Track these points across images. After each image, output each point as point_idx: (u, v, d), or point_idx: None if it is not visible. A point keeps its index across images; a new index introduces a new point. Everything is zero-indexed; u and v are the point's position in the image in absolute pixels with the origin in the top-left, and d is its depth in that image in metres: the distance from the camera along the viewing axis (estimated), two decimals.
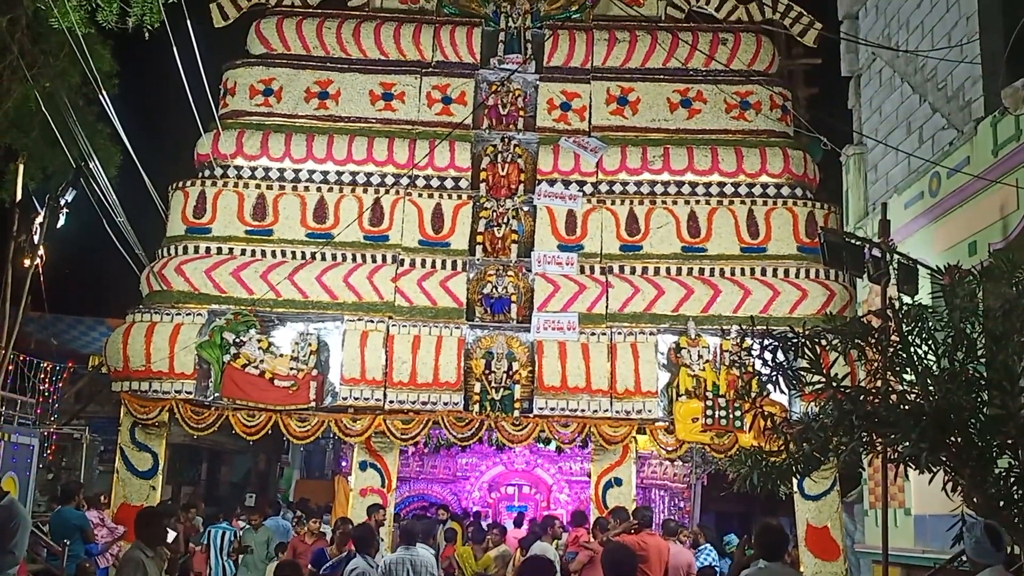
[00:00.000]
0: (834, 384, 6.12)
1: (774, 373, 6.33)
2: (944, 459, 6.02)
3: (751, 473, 6.64)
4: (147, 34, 11.22)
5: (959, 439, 5.95)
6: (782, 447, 7.05)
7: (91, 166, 12.26)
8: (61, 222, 11.54)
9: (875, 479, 11.24)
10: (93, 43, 15.92)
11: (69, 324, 16.87)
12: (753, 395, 12.40)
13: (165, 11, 11.88)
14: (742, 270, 13.34)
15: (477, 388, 12.85)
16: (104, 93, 13.38)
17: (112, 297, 14.35)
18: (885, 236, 8.10)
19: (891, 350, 6.32)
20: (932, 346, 6.22)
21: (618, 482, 13.11)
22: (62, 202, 11.03)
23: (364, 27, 14.62)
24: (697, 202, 13.68)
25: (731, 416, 12.71)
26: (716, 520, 21.26)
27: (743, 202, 13.65)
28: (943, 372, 6.08)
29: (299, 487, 21.43)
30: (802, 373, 6.44)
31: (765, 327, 6.52)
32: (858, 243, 8.15)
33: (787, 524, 21.73)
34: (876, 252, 8.27)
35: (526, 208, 13.88)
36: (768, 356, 6.46)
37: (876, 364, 6.55)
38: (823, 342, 6.40)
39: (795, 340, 6.26)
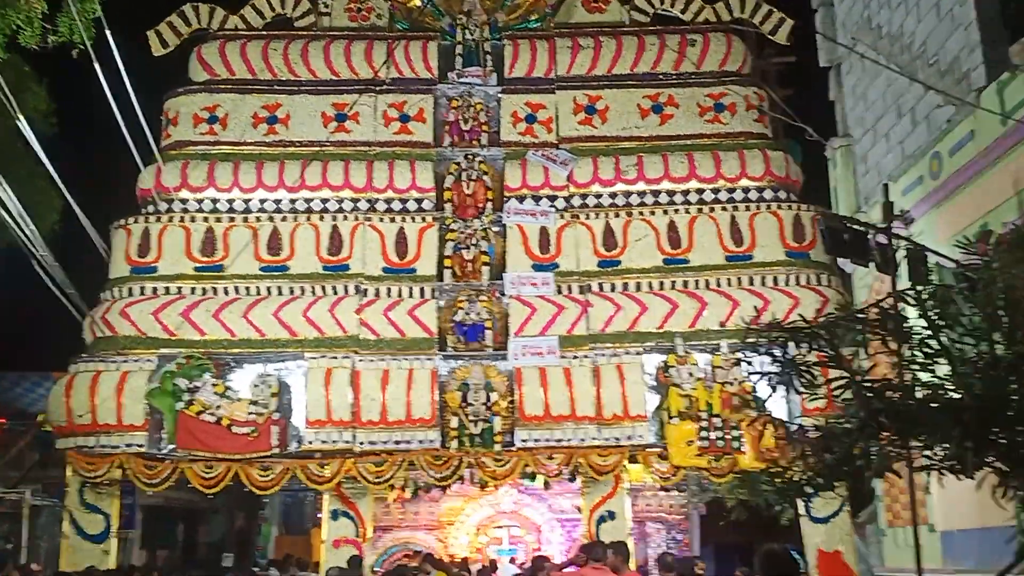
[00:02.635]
0: (858, 380, 5.21)
1: (786, 372, 5.40)
2: (991, 460, 5.11)
3: (762, 493, 5.66)
4: (75, 54, 10.32)
5: (1007, 436, 5.05)
6: (789, 464, 6.11)
7: None
8: None
9: (891, 495, 10.35)
10: (28, 81, 15.14)
11: (12, 381, 15.79)
12: (755, 408, 11.77)
13: (99, 43, 11.05)
14: (728, 280, 12.64)
15: (454, 423, 11.99)
16: (30, 132, 12.40)
17: (60, 350, 13.33)
18: (890, 220, 7.26)
19: (917, 339, 5.43)
20: (963, 331, 5.34)
21: (611, 515, 12.28)
22: None
23: (312, 47, 13.87)
24: (676, 211, 12.98)
25: (728, 437, 11.85)
26: (716, 552, 20.32)
27: (724, 208, 12.97)
28: (981, 359, 5.20)
29: (279, 543, 20.44)
30: (814, 371, 5.51)
31: (773, 320, 5.62)
32: (862, 229, 7.31)
33: (791, 551, 21.03)
34: (881, 239, 7.42)
35: (495, 228, 13.11)
36: (776, 353, 5.53)
37: (900, 357, 5.66)
38: (838, 333, 5.50)
39: (809, 332, 5.35)
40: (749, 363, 5.60)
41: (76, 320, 13.20)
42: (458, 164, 13.34)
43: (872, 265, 7.56)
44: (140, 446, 11.83)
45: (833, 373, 5.67)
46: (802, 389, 5.52)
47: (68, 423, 11.83)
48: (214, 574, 15.85)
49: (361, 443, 11.85)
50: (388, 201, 13.12)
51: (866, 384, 5.31)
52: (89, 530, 11.99)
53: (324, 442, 11.88)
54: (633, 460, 12.22)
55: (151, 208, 13.10)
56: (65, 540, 11.98)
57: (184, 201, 13.08)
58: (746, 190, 13.05)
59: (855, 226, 7.36)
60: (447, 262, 12.85)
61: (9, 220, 12.44)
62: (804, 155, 13.61)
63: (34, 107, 15.25)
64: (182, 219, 12.91)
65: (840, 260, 11.29)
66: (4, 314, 14.52)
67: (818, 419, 11.75)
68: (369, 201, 13.09)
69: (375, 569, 16.08)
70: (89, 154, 15.68)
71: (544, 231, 12.88)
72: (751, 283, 12.55)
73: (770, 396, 5.77)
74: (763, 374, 5.58)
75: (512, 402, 12.02)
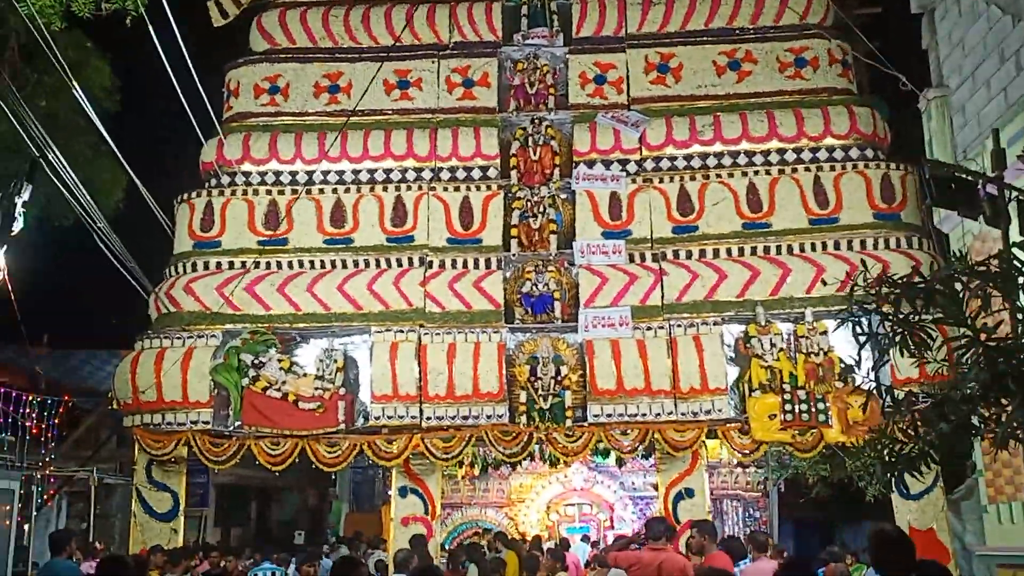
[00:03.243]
0: (983, 339, 4.60)
1: (897, 332, 4.80)
2: None
3: (857, 468, 5.08)
4: (128, 22, 10.06)
5: None
6: (892, 436, 5.52)
7: (51, 158, 11.05)
8: (19, 226, 10.35)
9: (993, 469, 9.61)
10: (90, 57, 15.04)
11: (82, 359, 15.78)
12: (841, 379, 11.09)
13: (158, 16, 10.79)
14: (813, 245, 11.92)
15: (523, 397, 11.53)
16: (91, 110, 12.25)
17: (130, 327, 13.24)
18: (1002, 168, 6.56)
19: None
20: None
21: (689, 493, 11.67)
22: (17, 202, 9.82)
23: (374, 12, 13.46)
24: (756, 173, 12.27)
25: (813, 409, 11.18)
26: (795, 529, 19.65)
27: (808, 169, 12.23)
28: None
29: (349, 521, 20.51)
30: (930, 330, 4.90)
31: (882, 273, 5.02)
32: (970, 178, 6.61)
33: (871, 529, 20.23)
34: (991, 189, 6.72)
35: (564, 195, 12.57)
36: (886, 312, 4.93)
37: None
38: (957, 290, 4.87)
39: (924, 287, 4.74)
40: (857, 323, 4.95)
41: (145, 297, 13.12)
42: (524, 129, 12.84)
43: (980, 219, 6.86)
44: (206, 423, 11.62)
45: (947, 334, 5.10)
46: (908, 352, 4.89)
47: (134, 400, 11.67)
48: (286, 551, 15.79)
49: (428, 418, 11.48)
50: (452, 170, 12.68)
51: (991, 344, 4.69)
52: (157, 508, 11.87)
53: (391, 417, 11.53)
54: (711, 435, 11.65)
55: (213, 182, 12.87)
56: (134, 519, 11.87)
57: (247, 174, 12.83)
58: (831, 149, 12.31)
59: (963, 175, 6.67)
60: (513, 231, 12.39)
61: (71, 198, 12.38)
62: (891, 112, 12.76)
63: (98, 83, 15.15)
64: (245, 192, 12.66)
65: (936, 220, 10.50)
66: (73, 292, 14.49)
67: (911, 389, 11.32)
68: (433, 170, 12.67)
69: (445, 547, 15.85)
70: (154, 129, 15.56)
71: (615, 197, 12.30)
72: (837, 247, 11.83)
73: (879, 360, 5.12)
74: (871, 336, 4.97)
75: (583, 376, 11.54)
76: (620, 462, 15.66)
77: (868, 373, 11.04)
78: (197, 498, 19.62)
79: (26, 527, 12.85)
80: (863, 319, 5.02)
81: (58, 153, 11.26)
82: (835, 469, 16.38)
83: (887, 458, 5.26)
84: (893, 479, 5.44)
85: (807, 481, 17.48)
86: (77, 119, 14.48)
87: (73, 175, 11.92)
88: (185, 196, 12.80)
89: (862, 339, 4.94)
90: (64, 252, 15.27)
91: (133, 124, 15.28)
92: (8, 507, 9.55)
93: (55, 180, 12.58)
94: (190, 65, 11.22)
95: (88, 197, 12.12)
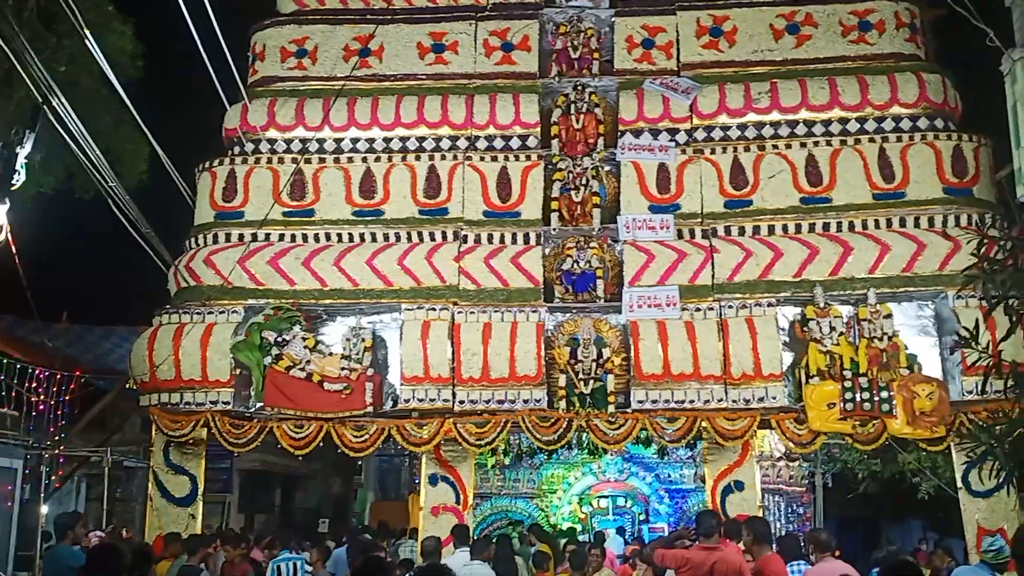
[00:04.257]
0: None
1: None
2: None
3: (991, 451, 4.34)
4: None
5: None
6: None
7: (54, 104, 10.39)
8: (20, 178, 9.70)
9: None
10: (112, 21, 14.40)
11: (101, 335, 15.21)
12: (908, 367, 10.23)
13: None
14: (876, 222, 11.18)
15: (562, 381, 10.83)
16: (112, 75, 11.59)
17: (150, 303, 12.66)
18: None
19: None
20: None
21: (739, 486, 10.94)
22: (19, 152, 9.15)
23: None
24: (816, 144, 11.52)
25: (876, 399, 10.37)
26: (838, 527, 18.86)
27: (872, 140, 11.45)
28: None
29: (374, 510, 20.05)
30: None
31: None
32: None
33: (920, 527, 19.36)
34: None
35: (608, 166, 11.86)
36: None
37: None
38: None
39: None
40: (990, 279, 4.16)
41: (164, 272, 12.51)
42: (566, 96, 12.11)
43: None
44: (226, 403, 11.01)
45: None
46: None
47: (151, 378, 11.08)
48: (310, 539, 15.29)
49: (461, 402, 10.80)
50: (489, 138, 11.97)
51: None
52: (175, 492, 11.26)
53: (421, 400, 10.85)
54: (764, 425, 10.87)
55: (237, 150, 12.22)
56: (150, 503, 11.28)
57: (272, 141, 12.17)
58: (897, 119, 11.52)
59: None
60: (554, 205, 11.68)
61: (91, 169, 11.77)
62: (962, 81, 11.90)
63: (120, 48, 14.50)
64: (269, 161, 12.01)
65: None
66: (93, 266, 13.91)
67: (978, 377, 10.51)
68: (469, 139, 11.98)
69: (472, 537, 15.19)
70: (180, 97, 14.93)
71: (663, 168, 11.57)
72: (903, 224, 11.07)
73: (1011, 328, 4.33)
74: (1003, 298, 4.17)
75: (627, 359, 10.82)
76: (662, 452, 14.89)
77: (945, 360, 10.32)
78: (221, 484, 19.23)
79: (41, 509, 12.28)
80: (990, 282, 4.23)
81: (68, 108, 10.56)
82: (887, 464, 15.70)
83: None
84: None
85: (855, 476, 16.77)
86: (100, 87, 13.89)
87: (92, 143, 11.25)
88: (207, 164, 12.18)
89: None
90: (86, 227, 14.70)
91: (157, 91, 14.62)
92: (10, 487, 8.90)
93: (75, 150, 12.01)
94: (216, 28, 10.53)
95: (107, 165, 11.43)
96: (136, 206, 12.60)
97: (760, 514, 10.88)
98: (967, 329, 5.39)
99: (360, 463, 20.69)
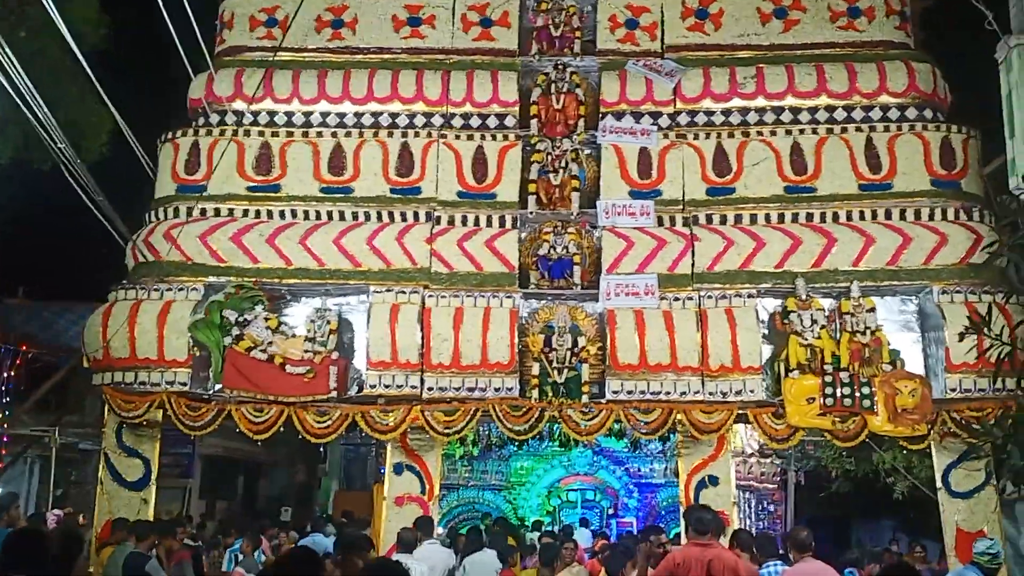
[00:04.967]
0: None
1: None
2: None
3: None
4: None
5: None
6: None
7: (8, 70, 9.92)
8: None
9: None
10: None
11: (56, 312, 14.65)
12: (890, 362, 9.88)
13: None
14: (862, 213, 10.86)
15: (535, 370, 10.45)
16: (75, 44, 11.06)
17: (110, 280, 12.15)
18: None
19: None
20: None
21: (713, 481, 10.60)
22: None
23: None
24: (802, 131, 11.19)
25: (857, 395, 10.11)
26: (808, 526, 18.61)
27: (859, 129, 11.13)
28: None
29: (338, 499, 19.66)
30: None
31: None
32: None
33: (890, 527, 19.20)
34: None
35: (588, 149, 11.47)
36: None
37: None
38: None
39: None
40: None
41: (124, 248, 11.99)
42: (546, 75, 11.70)
43: None
44: (183, 384, 10.51)
45: None
46: None
47: (104, 356, 10.57)
48: (273, 527, 14.92)
49: (430, 389, 10.39)
50: (466, 116, 11.54)
51: None
52: (127, 476, 10.74)
53: (388, 386, 10.42)
54: (741, 419, 10.57)
55: (201, 121, 11.72)
56: (100, 487, 10.78)
57: (238, 113, 11.66)
58: (885, 108, 11.21)
59: None
60: (531, 187, 11.28)
61: (44, 135, 11.23)
62: (951, 71, 11.65)
63: (84, 17, 13.91)
64: (235, 133, 11.49)
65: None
66: (54, 242, 13.35)
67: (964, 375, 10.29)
68: (444, 116, 11.54)
69: (437, 529, 14.84)
70: (145, 69, 14.36)
71: (644, 153, 11.19)
72: (888, 216, 10.76)
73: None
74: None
75: (602, 348, 10.46)
76: (635, 445, 14.59)
77: (928, 357, 10.03)
78: (181, 469, 18.83)
79: None
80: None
81: (22, 72, 10.04)
82: (860, 463, 15.46)
83: None
84: None
85: (828, 474, 16.52)
86: (65, 57, 13.34)
87: (45, 108, 10.71)
88: (169, 135, 11.67)
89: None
90: (45, 199, 14.13)
91: (123, 63, 14.03)
92: None
93: (32, 119, 11.46)
94: None
95: (59, 132, 10.90)
96: (93, 177, 12.08)
97: (734, 509, 10.61)
98: (979, 315, 5.06)
99: (324, 452, 20.29)
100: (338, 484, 21.28)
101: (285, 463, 22.81)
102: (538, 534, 11.80)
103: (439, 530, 11.82)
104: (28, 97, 11.09)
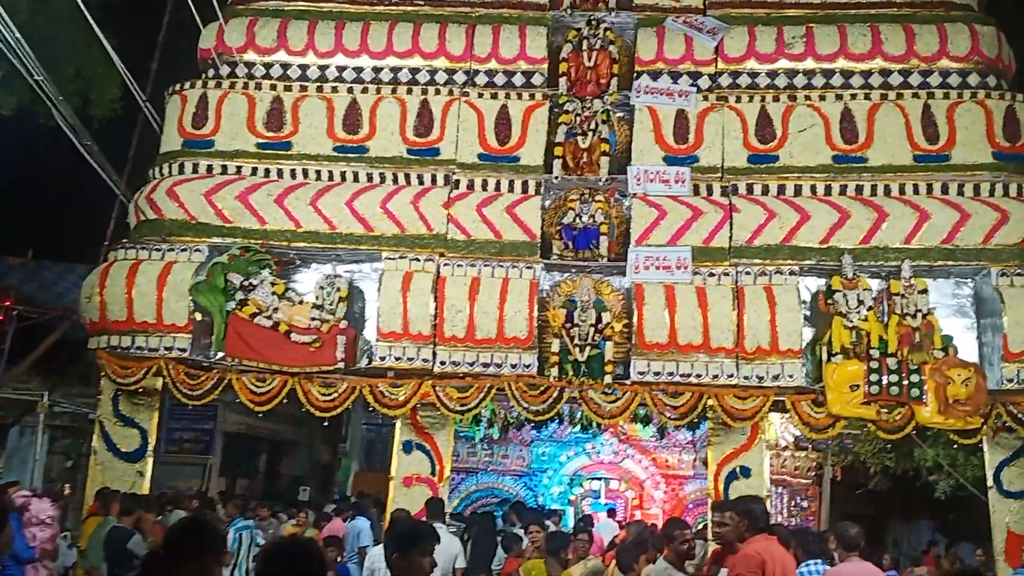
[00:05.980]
0: None
1: None
2: None
3: None
4: None
5: None
6: None
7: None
8: None
9: None
10: None
11: (57, 273, 14.20)
12: (942, 348, 9.10)
13: None
14: (916, 186, 10.12)
15: (555, 346, 9.78)
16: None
17: (116, 242, 11.65)
18: None
19: None
20: None
21: (745, 472, 9.93)
22: None
23: None
24: (853, 97, 10.47)
25: (905, 383, 9.34)
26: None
27: (916, 95, 10.39)
28: None
29: (357, 480, 19.11)
30: None
31: None
32: None
33: (929, 528, 18.39)
34: None
35: (620, 111, 10.80)
36: None
37: None
38: None
39: None
40: None
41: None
42: (578, 31, 11.06)
43: None
44: (182, 351, 9.94)
45: None
46: None
47: (100, 319, 10.01)
48: (292, 506, 14.49)
49: (442, 363, 9.77)
50: (490, 73, 10.91)
51: None
52: (122, 446, 10.20)
53: (398, 359, 9.82)
54: (778, 406, 9.83)
55: (211, 73, 11.13)
56: (94, 456, 10.25)
57: (249, 65, 11.10)
58: (945, 73, 10.47)
59: None
60: (557, 151, 10.62)
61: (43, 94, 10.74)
62: (1017, 37, 10.85)
63: None
64: (246, 86, 10.95)
65: None
66: (52, 200, 12.87)
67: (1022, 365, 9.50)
68: (467, 72, 10.93)
69: (455, 513, 14.28)
70: (158, 21, 13.82)
71: (682, 116, 10.51)
72: (945, 191, 10.03)
73: None
74: None
75: (628, 326, 9.78)
76: (661, 432, 13.88)
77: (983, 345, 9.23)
78: (202, 445, 18.49)
79: None
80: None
81: (9, 22, 9.52)
82: (900, 459, 14.67)
83: None
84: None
85: (866, 471, 15.74)
86: (74, 8, 12.86)
87: (32, 57, 10.19)
88: (177, 87, 11.09)
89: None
90: (55, 155, 13.67)
91: (134, 15, 13.51)
92: None
93: (34, 73, 10.96)
94: None
95: (51, 82, 10.38)
96: (106, 138, 11.61)
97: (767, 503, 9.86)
98: None
99: (346, 430, 19.84)
100: (358, 464, 20.80)
101: (307, 442, 22.43)
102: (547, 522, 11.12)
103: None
104: (28, 48, 10.63)
